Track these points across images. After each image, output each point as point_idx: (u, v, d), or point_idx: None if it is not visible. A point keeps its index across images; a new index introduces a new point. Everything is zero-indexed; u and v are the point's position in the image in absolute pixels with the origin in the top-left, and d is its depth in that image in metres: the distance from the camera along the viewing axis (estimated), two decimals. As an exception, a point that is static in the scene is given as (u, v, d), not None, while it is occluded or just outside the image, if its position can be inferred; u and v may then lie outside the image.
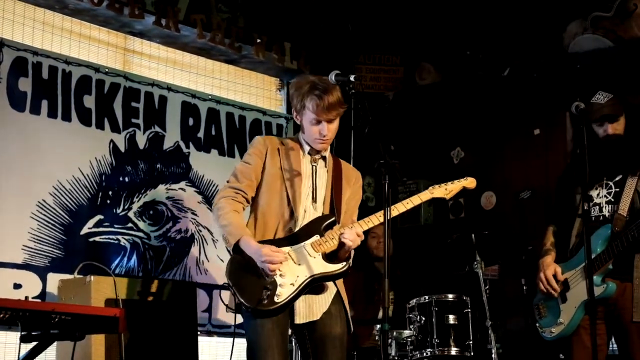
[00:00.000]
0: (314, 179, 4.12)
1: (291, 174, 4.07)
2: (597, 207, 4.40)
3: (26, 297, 4.16)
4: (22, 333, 3.88)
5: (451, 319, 5.58)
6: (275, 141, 4.20)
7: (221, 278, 6.50)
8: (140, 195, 6.31)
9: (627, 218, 4.27)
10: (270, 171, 4.09)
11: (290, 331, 4.05)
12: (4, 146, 5.62)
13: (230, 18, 6.92)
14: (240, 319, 4.00)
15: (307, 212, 4.05)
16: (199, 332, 5.63)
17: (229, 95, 7.13)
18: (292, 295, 3.86)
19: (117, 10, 6.15)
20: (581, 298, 4.28)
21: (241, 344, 4.07)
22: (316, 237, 3.97)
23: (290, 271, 3.88)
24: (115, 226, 6.13)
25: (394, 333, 5.63)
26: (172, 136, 6.59)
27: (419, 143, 7.53)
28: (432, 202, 7.35)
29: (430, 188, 4.27)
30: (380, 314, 6.03)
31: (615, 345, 4.45)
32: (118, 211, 6.16)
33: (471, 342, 5.56)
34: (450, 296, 5.66)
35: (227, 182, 4.12)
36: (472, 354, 5.54)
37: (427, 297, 5.65)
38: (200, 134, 6.78)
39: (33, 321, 3.88)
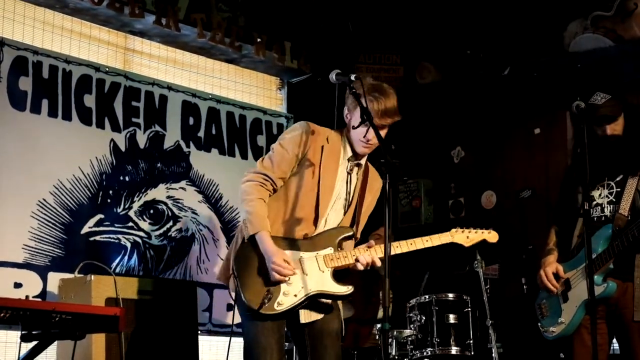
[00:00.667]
0: (348, 189, 4.06)
1: (326, 178, 3.98)
2: (599, 207, 4.39)
3: (27, 297, 4.18)
4: (23, 332, 3.89)
5: (451, 318, 5.58)
6: (321, 137, 4.02)
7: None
8: (141, 195, 6.31)
9: (628, 218, 4.27)
10: (307, 166, 3.98)
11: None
12: (4, 145, 5.62)
13: (230, 17, 6.92)
14: (237, 318, 3.99)
15: (329, 220, 4.02)
16: (199, 332, 5.64)
17: (229, 94, 7.13)
18: (292, 306, 3.85)
19: (117, 9, 6.15)
20: (582, 297, 4.28)
21: (239, 342, 4.07)
22: (330, 251, 3.94)
23: (296, 281, 3.86)
24: (116, 225, 6.13)
25: (394, 332, 5.63)
26: (172, 135, 6.59)
27: (419, 142, 7.52)
28: (432, 201, 7.47)
29: (453, 231, 4.17)
30: (380, 314, 6.04)
31: (616, 345, 4.45)
32: (118, 210, 6.17)
33: (471, 342, 5.56)
34: (451, 295, 5.66)
35: (262, 161, 4.00)
36: (472, 353, 5.54)
37: (427, 297, 5.65)
38: (201, 134, 6.78)
39: (33, 320, 3.89)
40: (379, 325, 5.80)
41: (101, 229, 6.04)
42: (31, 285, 5.58)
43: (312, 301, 3.93)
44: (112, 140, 6.23)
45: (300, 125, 4.04)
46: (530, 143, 6.98)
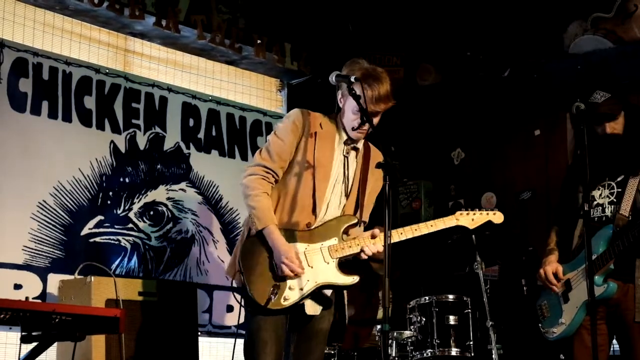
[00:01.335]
0: (346, 173, 4.05)
1: (322, 163, 3.97)
2: (600, 207, 4.39)
3: (27, 298, 4.18)
4: (23, 333, 3.89)
5: (452, 319, 5.58)
6: (315, 120, 4.03)
7: (222, 279, 6.53)
8: (141, 196, 6.31)
9: (629, 218, 4.26)
10: (301, 153, 3.98)
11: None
12: (5, 147, 5.62)
13: (230, 19, 6.92)
14: (242, 318, 4.01)
15: (330, 206, 4.01)
16: (199, 333, 5.63)
17: (229, 96, 7.14)
18: (298, 300, 3.86)
19: (117, 11, 6.16)
20: (583, 298, 4.27)
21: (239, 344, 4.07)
22: (334, 241, 3.94)
23: (301, 274, 3.87)
24: (116, 227, 6.13)
25: (395, 333, 5.62)
26: (172, 137, 6.59)
27: (419, 144, 7.53)
28: (432, 203, 7.47)
29: (458, 213, 4.14)
30: (380, 315, 6.03)
31: (617, 346, 4.45)
32: (118, 212, 6.17)
33: (472, 343, 5.55)
34: (451, 297, 5.65)
35: (260, 154, 3.99)
36: (472, 354, 5.54)
37: (427, 298, 5.65)
38: (201, 135, 6.78)
39: (33, 321, 3.89)
40: (378, 326, 5.79)
41: (101, 230, 6.04)
42: (31, 286, 5.58)
43: (318, 292, 3.94)
44: (112, 141, 6.23)
45: (294, 112, 4.06)
46: (530, 144, 6.98)
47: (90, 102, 6.15)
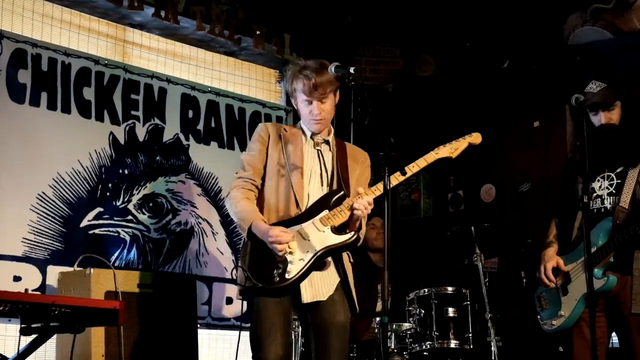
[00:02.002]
0: (322, 163, 4.16)
1: (294, 159, 4.12)
2: (599, 199, 4.39)
3: (26, 290, 4.16)
4: (22, 325, 3.88)
5: (451, 311, 5.58)
6: (277, 127, 4.28)
7: (221, 271, 6.53)
8: (140, 188, 6.30)
9: (628, 210, 4.27)
10: (273, 157, 4.15)
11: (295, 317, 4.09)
12: (4, 138, 5.61)
13: (229, 10, 6.91)
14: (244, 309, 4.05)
15: (311, 197, 4.09)
16: (198, 325, 5.63)
17: (228, 87, 7.12)
18: (302, 271, 3.89)
19: (116, 2, 6.15)
20: (582, 291, 4.28)
21: (245, 335, 4.07)
22: (325, 212, 4.00)
23: (299, 247, 3.92)
24: (115, 219, 6.12)
25: (394, 326, 5.63)
26: (171, 128, 6.58)
27: (418, 135, 7.52)
28: (431, 194, 7.47)
29: (435, 149, 4.22)
30: (379, 307, 6.04)
31: (616, 339, 4.46)
32: (118, 203, 6.16)
33: (471, 335, 5.56)
34: (450, 289, 5.66)
35: (236, 173, 4.21)
36: (471, 346, 5.55)
37: (426, 290, 5.66)
38: (200, 126, 6.77)
39: (33, 314, 3.88)
40: (377, 319, 5.79)
41: (100, 222, 6.04)
42: (30, 278, 5.57)
43: (320, 267, 3.99)
44: (111, 133, 6.22)
45: (258, 127, 4.31)
46: (529, 136, 6.98)
47: (89, 93, 6.13)
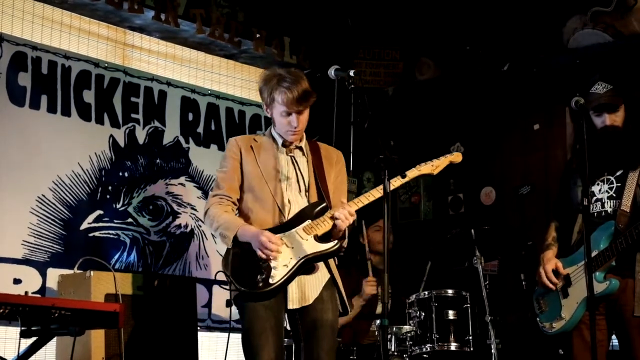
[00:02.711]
0: (297, 169, 4.17)
1: (268, 168, 4.13)
2: (599, 202, 4.39)
3: (26, 292, 4.17)
4: (22, 328, 3.89)
5: (451, 314, 5.57)
6: (247, 139, 4.28)
7: (221, 274, 6.52)
8: (140, 191, 6.31)
9: (629, 214, 4.26)
10: (248, 169, 4.16)
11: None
12: (4, 141, 5.62)
13: (229, 13, 6.91)
14: (235, 314, 4.05)
15: (292, 203, 4.11)
16: (198, 327, 5.63)
17: (228, 90, 7.13)
18: (285, 277, 3.92)
19: (116, 4, 6.15)
20: (583, 294, 4.27)
21: (238, 338, 4.08)
22: (308, 222, 4.02)
23: (283, 254, 3.94)
24: (115, 221, 6.13)
25: (394, 328, 5.62)
26: (171, 131, 6.59)
27: (418, 138, 7.52)
28: (431, 197, 7.46)
29: (418, 166, 4.27)
30: (379, 310, 6.04)
31: (616, 342, 4.46)
32: (118, 206, 6.16)
33: (471, 338, 5.55)
34: (450, 291, 5.65)
35: (211, 191, 4.23)
36: (471, 349, 5.54)
37: (426, 293, 5.65)
38: (200, 129, 6.78)
39: (33, 316, 3.89)
40: (377, 321, 5.79)
41: (100, 224, 6.04)
42: (30, 281, 5.58)
43: (306, 272, 4.01)
44: (111, 136, 6.23)
45: (228, 143, 4.29)
46: (529, 139, 6.97)
47: (89, 96, 6.14)
